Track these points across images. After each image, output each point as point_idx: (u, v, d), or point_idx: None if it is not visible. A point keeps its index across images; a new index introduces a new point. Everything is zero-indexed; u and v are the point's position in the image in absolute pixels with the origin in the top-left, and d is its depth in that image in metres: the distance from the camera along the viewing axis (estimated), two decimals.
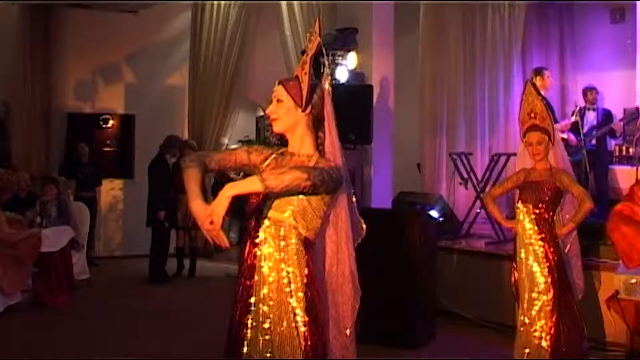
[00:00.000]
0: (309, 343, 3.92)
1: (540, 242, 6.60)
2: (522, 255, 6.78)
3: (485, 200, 7.60)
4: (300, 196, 3.90)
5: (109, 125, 14.60)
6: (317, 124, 4.25)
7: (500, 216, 7.34)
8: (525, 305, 6.62)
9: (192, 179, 3.93)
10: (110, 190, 14.59)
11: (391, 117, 11.91)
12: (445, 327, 8.93)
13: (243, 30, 13.67)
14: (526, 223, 6.80)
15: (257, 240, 3.97)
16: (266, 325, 3.89)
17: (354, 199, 4.45)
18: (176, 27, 14.79)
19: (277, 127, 4.17)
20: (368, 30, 11.67)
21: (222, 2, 13.73)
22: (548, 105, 7.28)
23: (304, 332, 3.93)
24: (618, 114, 12.24)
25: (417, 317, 8.22)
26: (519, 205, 6.96)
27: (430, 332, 8.52)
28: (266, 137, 14.10)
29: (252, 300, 3.93)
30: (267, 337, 3.89)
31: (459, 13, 13.22)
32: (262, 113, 15.42)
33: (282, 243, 3.95)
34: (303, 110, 4.18)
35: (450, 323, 9.16)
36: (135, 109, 14.45)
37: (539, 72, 10.78)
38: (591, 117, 11.75)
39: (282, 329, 3.90)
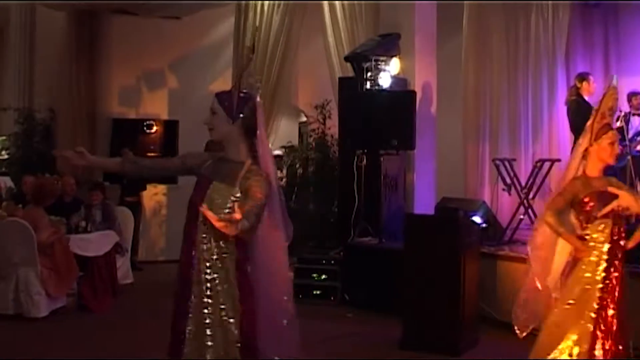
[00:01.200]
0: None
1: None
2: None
3: (549, 217, 5.81)
4: (238, 196, 4.42)
5: (153, 130, 14.66)
6: (251, 133, 4.59)
7: (574, 237, 5.68)
8: None
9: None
10: (154, 195, 14.67)
11: (434, 122, 11.88)
12: (488, 334, 8.87)
13: (286, 35, 13.68)
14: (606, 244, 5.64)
15: (196, 240, 4.48)
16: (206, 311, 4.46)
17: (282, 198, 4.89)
18: (220, 33, 14.83)
19: (214, 136, 4.63)
20: (410, 36, 11.66)
21: (266, 7, 13.75)
22: None
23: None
24: None
25: (460, 323, 8.18)
26: (598, 222, 5.63)
27: (473, 339, 8.48)
28: (309, 143, 14.09)
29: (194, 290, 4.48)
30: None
31: (502, 17, 13.18)
32: (305, 119, 15.44)
33: (220, 241, 4.42)
34: (233, 122, 4.57)
35: (493, 330, 9.10)
36: (179, 115, 14.49)
37: (583, 77, 10.71)
38: (636, 123, 11.65)
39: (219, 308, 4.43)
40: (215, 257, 4.45)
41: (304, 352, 8.18)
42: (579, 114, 10.49)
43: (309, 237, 13.20)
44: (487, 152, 12.78)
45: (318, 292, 10.75)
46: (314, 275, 10.85)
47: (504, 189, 10.80)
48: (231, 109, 4.56)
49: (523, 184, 10.66)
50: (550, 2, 13.50)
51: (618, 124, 10.64)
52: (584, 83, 10.60)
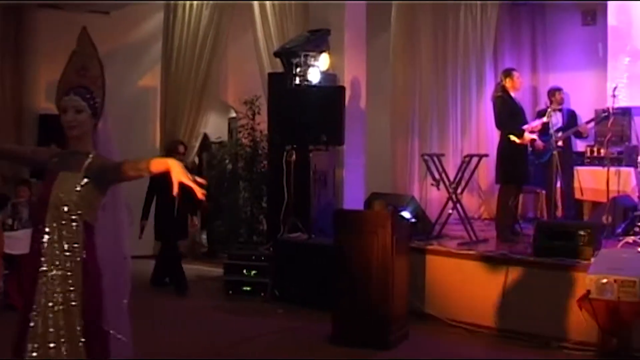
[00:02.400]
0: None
1: None
2: None
3: None
4: (84, 183, 4.48)
5: None
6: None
7: None
8: None
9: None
10: None
11: (363, 118, 11.94)
12: (418, 328, 8.94)
13: (215, 31, 13.63)
14: None
15: (42, 227, 4.48)
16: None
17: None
18: (148, 29, 14.70)
19: (76, 132, 4.66)
20: (340, 32, 11.69)
21: (195, 3, 13.68)
22: None
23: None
24: (589, 115, 12.34)
25: (390, 318, 8.21)
26: None
27: (403, 333, 8.52)
28: (238, 139, 14.07)
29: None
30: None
31: (430, 14, 13.28)
32: (234, 114, 15.40)
33: (66, 226, 4.46)
34: (97, 119, 4.73)
35: (422, 324, 9.18)
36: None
37: (508, 73, 10.82)
38: (557, 118, 11.82)
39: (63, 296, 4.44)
40: (59, 245, 4.50)
41: (235, 349, 8.24)
42: (504, 109, 10.62)
43: (238, 233, 13.21)
44: (416, 148, 12.87)
45: (248, 289, 10.73)
46: (244, 271, 10.84)
47: (432, 184, 10.87)
48: (94, 107, 4.72)
49: (452, 179, 10.75)
50: (479, 1, 13.65)
51: (545, 119, 10.80)
52: (509, 79, 10.70)
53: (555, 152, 10.78)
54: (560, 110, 11.91)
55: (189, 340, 8.52)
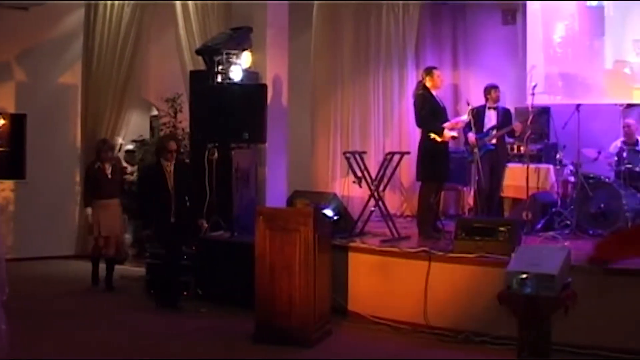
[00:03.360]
0: None
1: None
2: None
3: None
4: None
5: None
6: None
7: None
8: None
9: None
10: (1, 191, 14.26)
11: (285, 116, 11.95)
12: (341, 325, 8.99)
13: (137, 28, 13.53)
14: None
15: None
16: None
17: None
18: (69, 25, 14.48)
19: None
20: (262, 30, 11.70)
21: (116, 1, 13.56)
22: None
23: None
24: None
25: (313, 315, 8.22)
26: None
27: (325, 331, 8.55)
28: (160, 137, 13.96)
29: None
30: None
31: (352, 13, 13.32)
32: (156, 112, 15.29)
33: None
34: None
35: (346, 321, 9.22)
36: (27, 108, 14.08)
37: (429, 71, 10.88)
38: (492, 116, 11.90)
39: None
40: None
41: (158, 348, 8.17)
42: (424, 107, 10.67)
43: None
44: (338, 145, 12.91)
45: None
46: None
47: (354, 182, 10.89)
48: None
49: (374, 176, 10.79)
50: (401, 0, 13.73)
51: (466, 117, 10.87)
52: (429, 77, 10.76)
53: (476, 150, 10.89)
54: (495, 108, 12.00)
55: (111, 340, 8.43)
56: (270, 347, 8.05)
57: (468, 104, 10.94)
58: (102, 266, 11.34)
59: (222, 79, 10.92)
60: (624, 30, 13.15)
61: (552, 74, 13.54)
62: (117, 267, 11.49)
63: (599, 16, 13.35)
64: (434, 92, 10.74)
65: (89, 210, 11.16)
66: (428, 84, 10.67)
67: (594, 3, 13.38)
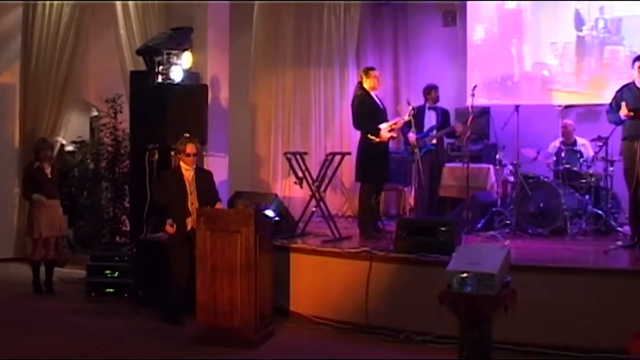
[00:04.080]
0: None
1: None
2: None
3: None
4: None
5: None
6: None
7: None
8: None
9: None
10: None
11: (226, 117, 11.90)
12: (284, 325, 8.98)
13: (76, 28, 13.37)
14: None
15: None
16: None
17: None
18: (6, 24, 14.27)
19: None
20: (203, 30, 11.64)
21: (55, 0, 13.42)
22: None
23: None
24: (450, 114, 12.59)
25: (255, 316, 8.21)
26: None
27: (268, 331, 8.53)
28: (100, 138, 13.83)
29: None
30: None
31: (293, 14, 13.33)
32: (96, 113, 15.14)
33: None
34: None
35: (288, 322, 9.22)
36: None
37: (367, 72, 10.90)
38: (431, 117, 11.97)
39: None
40: None
41: (99, 351, 8.10)
42: (361, 108, 10.69)
43: (101, 234, 12.99)
44: (279, 146, 12.92)
45: (111, 290, 10.58)
46: (107, 272, 10.67)
47: (295, 182, 10.91)
48: None
49: (315, 177, 10.80)
50: (342, 1, 13.76)
51: (407, 117, 10.90)
52: (367, 78, 10.78)
53: (417, 151, 10.95)
54: (435, 108, 12.07)
55: (51, 344, 8.33)
56: (212, 349, 8.01)
57: (409, 104, 10.97)
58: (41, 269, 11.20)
59: (162, 79, 10.84)
60: (541, 33, 13.52)
61: (492, 74, 13.70)
62: (55, 269, 11.34)
63: (517, 19, 13.67)
64: (372, 93, 10.76)
65: (36, 196, 10.92)
66: (366, 84, 10.70)
67: (512, 5, 13.65)
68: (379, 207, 11.15)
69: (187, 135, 9.63)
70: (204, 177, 9.52)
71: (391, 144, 11.22)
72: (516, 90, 13.57)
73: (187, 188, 9.31)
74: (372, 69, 11.07)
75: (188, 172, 9.39)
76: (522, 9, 13.79)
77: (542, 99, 13.07)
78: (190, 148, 9.40)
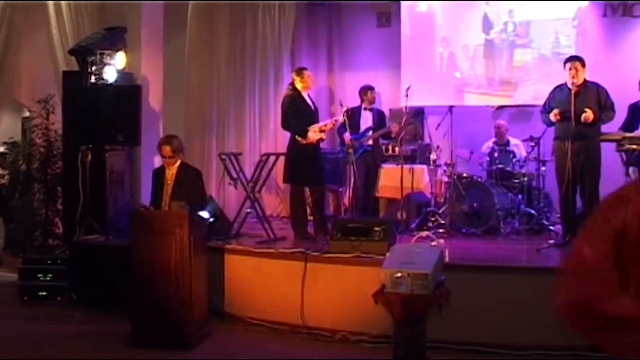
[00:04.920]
0: None
1: None
2: None
3: None
4: None
5: None
6: None
7: None
8: None
9: None
10: None
11: (160, 117, 11.85)
12: (219, 327, 8.95)
13: (7, 27, 13.18)
14: None
15: None
16: None
17: None
18: None
19: None
20: (137, 30, 11.57)
21: None
22: None
23: None
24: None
25: (190, 318, 8.17)
26: None
27: (203, 333, 8.50)
28: (32, 139, 13.66)
29: None
30: None
31: (228, 14, 13.29)
32: (28, 114, 14.95)
33: None
34: None
35: (224, 323, 9.19)
36: None
37: (299, 72, 10.91)
38: (367, 117, 12.04)
39: None
40: None
41: (32, 356, 7.99)
42: (289, 109, 10.69)
43: (33, 237, 12.83)
44: (213, 147, 12.88)
45: (44, 293, 10.44)
46: (39, 275, 10.54)
47: (230, 183, 10.87)
48: None
49: (249, 178, 10.79)
50: (277, 1, 13.75)
51: (341, 118, 10.93)
52: (299, 78, 10.79)
53: (351, 151, 10.99)
54: (371, 109, 12.13)
55: None
56: (148, 351, 7.95)
57: (341, 105, 11.02)
58: None
59: (95, 80, 10.75)
60: (452, 35, 13.81)
61: (426, 75, 13.84)
62: None
63: (429, 22, 13.89)
64: (304, 93, 10.77)
65: None
66: (298, 85, 10.70)
67: (424, 7, 13.88)
68: (318, 207, 11.09)
69: (164, 136, 9.65)
70: (186, 175, 9.45)
71: (327, 145, 11.23)
72: (434, 92, 13.75)
73: (164, 186, 9.32)
74: (304, 69, 11.09)
75: (170, 170, 9.38)
76: (432, 11, 14.07)
77: (456, 100, 13.20)
78: (162, 150, 9.44)
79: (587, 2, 13.22)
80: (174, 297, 8.12)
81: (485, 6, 13.63)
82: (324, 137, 10.90)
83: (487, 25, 13.64)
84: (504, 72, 13.57)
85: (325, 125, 10.84)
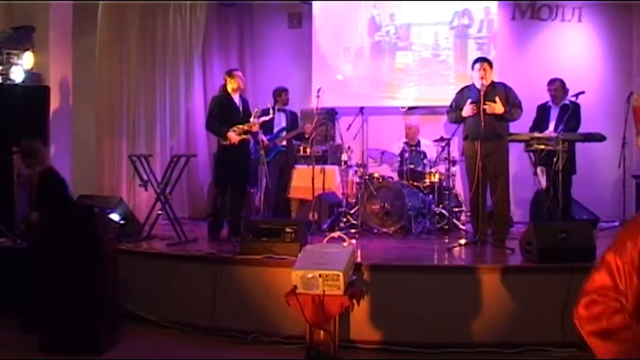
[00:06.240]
0: None
1: None
2: None
3: None
4: None
5: None
6: None
7: None
8: None
9: None
10: None
11: (69, 118, 11.70)
12: (131, 331, 8.84)
13: None
14: None
15: None
16: None
17: None
18: None
19: None
20: (45, 30, 11.42)
21: None
22: None
23: None
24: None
25: (101, 322, 8.06)
26: None
27: (115, 337, 8.39)
28: None
29: None
30: None
31: (139, 14, 13.17)
32: None
33: None
34: None
35: (136, 327, 9.08)
36: None
37: (230, 73, 10.91)
38: (281, 118, 12.08)
39: None
40: None
41: None
42: (213, 110, 10.73)
43: None
44: (123, 148, 12.74)
45: None
46: None
47: (140, 185, 10.78)
48: None
49: (160, 179, 10.72)
50: (188, 1, 13.67)
51: (262, 118, 10.92)
52: (231, 79, 10.78)
53: (262, 152, 10.99)
54: (284, 110, 12.16)
55: None
56: (58, 356, 7.83)
57: (257, 107, 11.05)
58: None
59: (2, 80, 10.59)
60: (333, 38, 14.02)
61: (337, 76, 13.93)
62: None
63: (334, 23, 14.24)
64: (235, 95, 10.78)
65: None
66: (229, 86, 10.72)
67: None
68: (236, 209, 11.06)
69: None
70: (39, 178, 9.36)
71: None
72: (343, 93, 13.97)
73: (31, 188, 9.22)
74: (235, 70, 11.12)
75: (34, 177, 9.26)
76: (314, 14, 14.37)
77: (341, 102, 13.37)
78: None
79: (495, 3, 13.48)
80: (84, 302, 8.00)
81: (373, 9, 13.85)
82: (247, 137, 10.89)
83: (373, 27, 13.86)
84: (386, 74, 13.94)
85: (251, 126, 10.83)
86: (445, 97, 12.33)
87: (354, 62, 14.08)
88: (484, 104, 9.58)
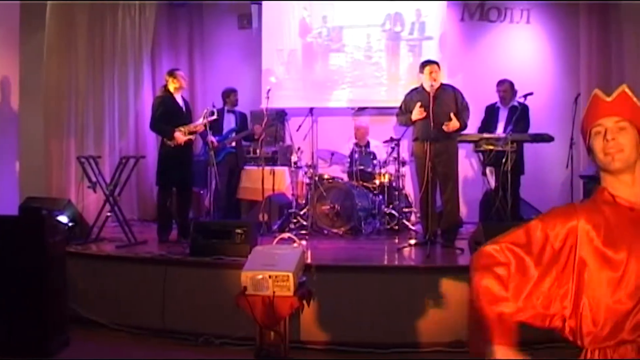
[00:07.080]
0: None
1: None
2: None
3: None
4: None
5: None
6: None
7: None
8: None
9: None
10: None
11: (16, 120, 11.55)
12: (80, 333, 8.77)
13: None
14: None
15: None
16: None
17: None
18: None
19: None
20: None
21: None
22: None
23: None
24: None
25: (49, 325, 7.99)
26: None
27: (63, 340, 8.32)
28: None
29: None
30: None
31: (87, 14, 13.08)
32: None
33: None
34: None
35: (84, 329, 9.01)
36: None
37: (171, 73, 10.87)
38: (231, 119, 12.07)
39: None
40: None
41: None
42: (157, 110, 10.72)
43: None
44: (71, 150, 12.63)
45: None
46: None
47: (89, 187, 10.70)
48: None
49: (108, 181, 10.65)
50: (137, 1, 13.61)
51: (209, 118, 10.89)
52: (172, 78, 10.75)
53: (211, 153, 10.96)
54: (233, 112, 12.14)
55: None
56: (4, 359, 7.76)
57: (207, 109, 11.01)
58: None
59: None
60: (266, 40, 14.23)
61: (287, 77, 13.96)
62: None
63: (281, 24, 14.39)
64: (178, 94, 10.75)
65: None
66: (171, 86, 10.68)
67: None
68: (183, 210, 11.04)
69: None
70: None
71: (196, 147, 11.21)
72: (291, 94, 14.08)
73: None
74: (177, 69, 11.09)
75: None
76: (263, 15, 14.43)
77: (276, 104, 13.39)
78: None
79: (445, 3, 13.57)
80: (31, 305, 7.93)
81: (303, 11, 13.94)
82: (192, 138, 10.86)
83: (304, 30, 13.94)
84: (319, 75, 14.01)
85: (197, 127, 10.82)
86: (377, 98, 12.51)
87: (287, 64, 14.10)
88: (433, 108, 9.63)
